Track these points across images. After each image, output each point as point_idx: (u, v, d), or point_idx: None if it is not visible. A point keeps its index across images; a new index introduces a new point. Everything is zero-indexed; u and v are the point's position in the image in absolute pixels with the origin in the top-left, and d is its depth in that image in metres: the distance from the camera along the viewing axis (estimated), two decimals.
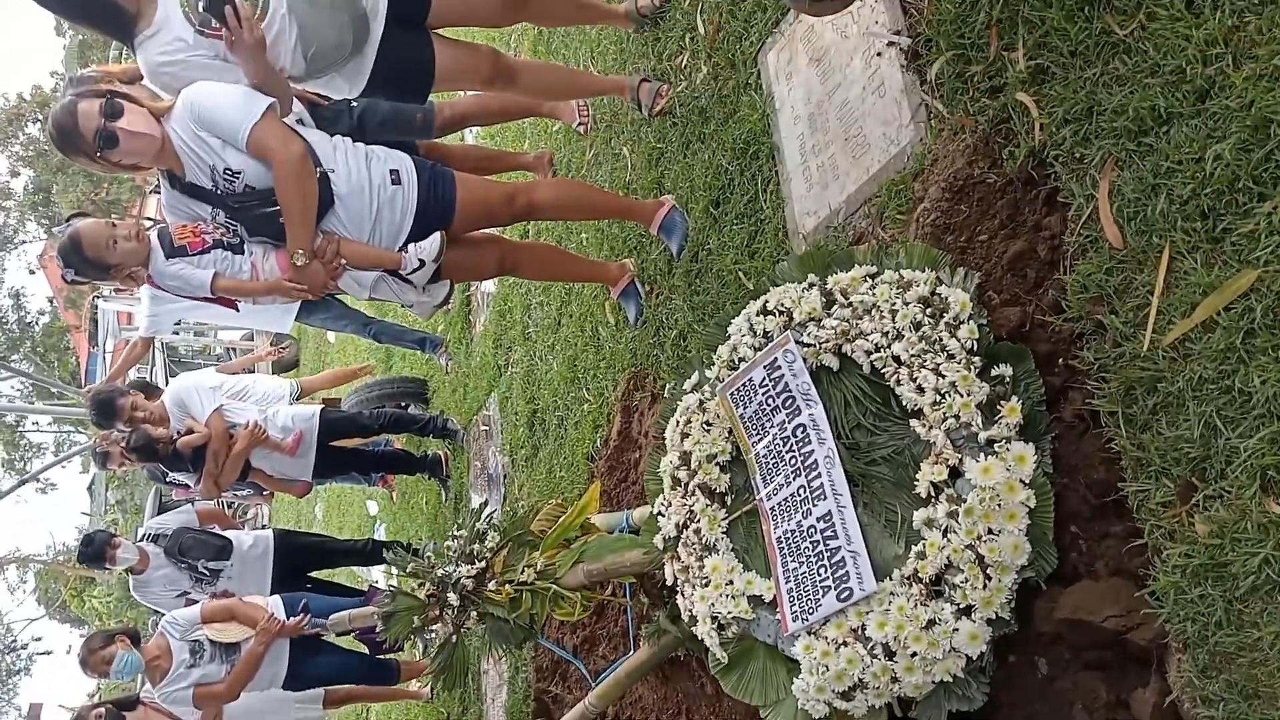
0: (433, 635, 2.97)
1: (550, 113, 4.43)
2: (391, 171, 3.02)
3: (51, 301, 30.85)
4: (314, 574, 5.94)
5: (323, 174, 2.91)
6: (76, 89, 3.04)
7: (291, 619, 4.64)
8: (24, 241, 30.44)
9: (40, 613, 34.49)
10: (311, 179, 2.88)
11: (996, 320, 1.98)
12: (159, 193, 3.22)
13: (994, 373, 1.91)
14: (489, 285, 5.97)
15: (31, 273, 31.95)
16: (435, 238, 3.08)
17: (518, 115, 4.64)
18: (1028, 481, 1.81)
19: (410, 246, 3.07)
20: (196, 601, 5.04)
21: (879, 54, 2.48)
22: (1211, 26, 1.57)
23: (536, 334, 4.90)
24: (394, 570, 3.05)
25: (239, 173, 2.88)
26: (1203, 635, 1.50)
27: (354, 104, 3.90)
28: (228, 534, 5.48)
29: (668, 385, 3.36)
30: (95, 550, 5.06)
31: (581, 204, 3.50)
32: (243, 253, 3.18)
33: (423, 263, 3.09)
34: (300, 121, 3.14)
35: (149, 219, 3.71)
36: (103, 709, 4.47)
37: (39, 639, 36.45)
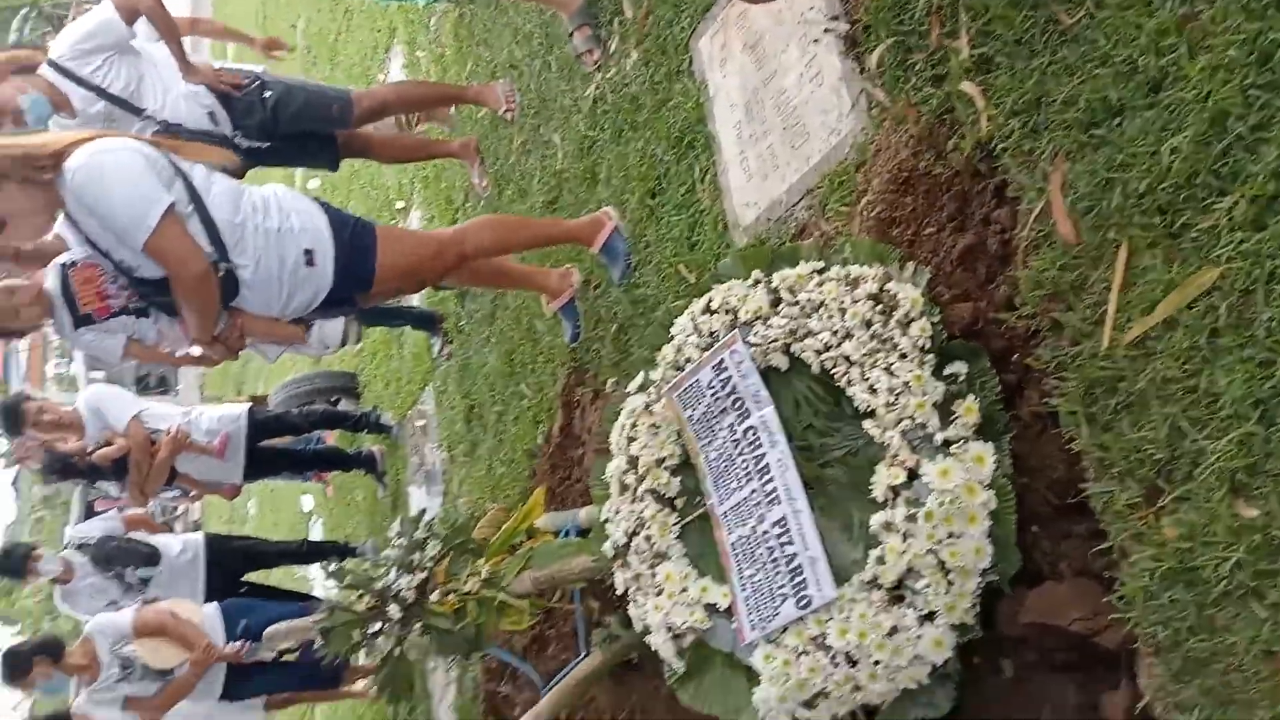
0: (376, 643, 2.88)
1: (476, 98, 4.29)
2: (306, 252, 2.80)
3: None
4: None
5: (228, 270, 2.69)
6: None
7: (229, 646, 4.47)
8: None
9: None
10: (212, 291, 2.67)
11: (948, 317, 1.93)
12: None
13: (948, 371, 1.86)
14: None
15: None
16: (341, 329, 2.99)
17: (440, 104, 4.51)
18: (987, 483, 1.77)
19: (315, 329, 2.95)
20: None
21: (816, 40, 2.41)
22: (1163, 15, 1.52)
23: (470, 326, 4.78)
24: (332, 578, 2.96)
25: (135, 267, 2.66)
26: (1175, 640, 1.47)
27: (267, 95, 3.74)
28: (156, 540, 5.28)
29: (609, 382, 3.29)
30: (14, 564, 4.86)
31: (516, 239, 3.27)
32: (149, 316, 3.08)
33: (327, 346, 3.01)
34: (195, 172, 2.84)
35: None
36: None
37: None
